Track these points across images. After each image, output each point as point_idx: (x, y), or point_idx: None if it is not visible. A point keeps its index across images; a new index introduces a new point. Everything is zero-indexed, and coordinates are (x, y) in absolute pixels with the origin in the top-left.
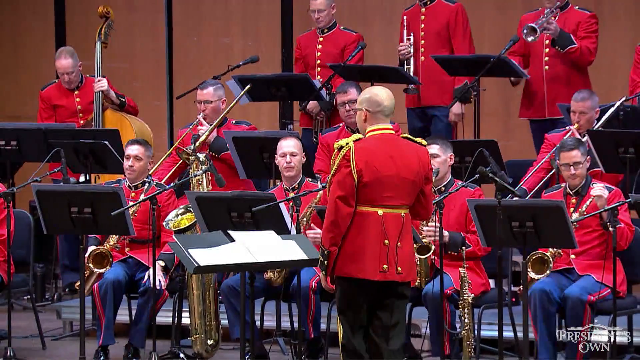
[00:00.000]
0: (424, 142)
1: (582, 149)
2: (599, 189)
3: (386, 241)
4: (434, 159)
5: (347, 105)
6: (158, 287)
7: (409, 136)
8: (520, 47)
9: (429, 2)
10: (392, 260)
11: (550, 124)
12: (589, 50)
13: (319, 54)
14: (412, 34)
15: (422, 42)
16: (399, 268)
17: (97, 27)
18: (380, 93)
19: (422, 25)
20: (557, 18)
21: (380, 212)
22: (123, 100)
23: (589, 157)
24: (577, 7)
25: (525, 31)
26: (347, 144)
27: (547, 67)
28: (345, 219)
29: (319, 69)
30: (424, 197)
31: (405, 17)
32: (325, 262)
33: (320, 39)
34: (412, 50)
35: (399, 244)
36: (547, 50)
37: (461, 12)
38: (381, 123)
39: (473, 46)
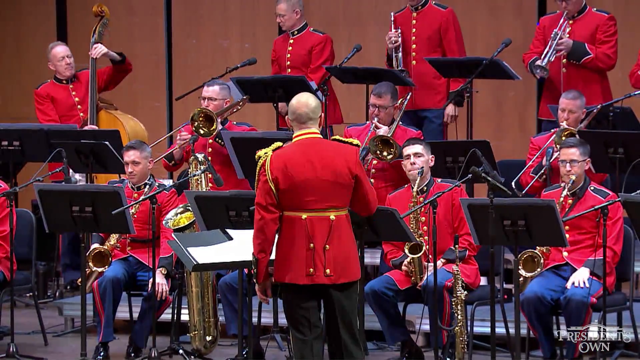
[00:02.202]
0: (355, 142)
1: (582, 149)
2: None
3: (311, 245)
4: (418, 157)
5: (377, 109)
6: (163, 297)
7: (339, 138)
8: (538, 47)
9: (420, 7)
10: (318, 263)
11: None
12: (607, 56)
13: (289, 55)
14: (399, 28)
15: (414, 46)
16: (327, 270)
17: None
18: (296, 101)
19: (414, 30)
20: (572, 23)
21: (304, 216)
22: (122, 56)
23: (589, 159)
24: (594, 9)
25: (537, 71)
26: (266, 153)
27: (564, 69)
28: (268, 225)
29: (289, 70)
30: (358, 194)
31: (395, 18)
32: (255, 269)
33: (291, 41)
34: (400, 40)
35: (327, 246)
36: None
37: (452, 18)
38: (304, 129)
39: (464, 51)
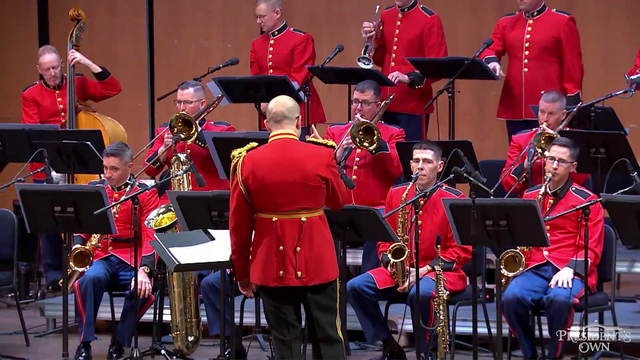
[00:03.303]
0: (330, 143)
1: (572, 151)
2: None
3: (281, 247)
4: (427, 164)
5: (360, 104)
6: (146, 295)
7: (314, 139)
8: (497, 46)
9: (406, 9)
10: (289, 266)
11: (526, 125)
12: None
13: (270, 56)
14: (380, 20)
15: (395, 47)
16: (299, 273)
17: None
18: (273, 101)
19: (397, 31)
20: (532, 23)
21: (274, 218)
22: (105, 71)
23: (575, 162)
24: (554, 9)
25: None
26: (239, 153)
27: (526, 69)
28: (239, 226)
29: (271, 70)
30: (329, 194)
31: (382, 15)
32: (232, 269)
33: (271, 42)
34: (374, 32)
35: (298, 249)
36: (527, 52)
37: (437, 24)
38: (278, 129)
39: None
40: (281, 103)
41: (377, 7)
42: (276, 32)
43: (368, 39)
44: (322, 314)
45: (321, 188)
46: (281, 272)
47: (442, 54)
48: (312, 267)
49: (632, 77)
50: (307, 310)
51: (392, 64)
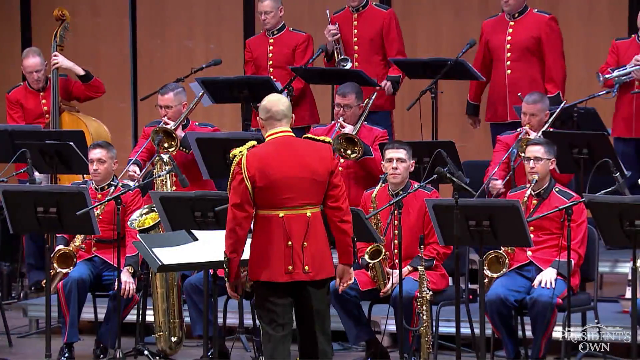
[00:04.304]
0: (327, 139)
1: (546, 148)
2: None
3: (289, 242)
4: (400, 163)
5: (342, 108)
6: (130, 295)
7: (311, 136)
8: (483, 51)
9: (361, 8)
10: (297, 260)
11: (511, 127)
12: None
13: (271, 55)
14: (336, 23)
15: (356, 47)
16: (306, 267)
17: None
18: (270, 100)
19: (355, 31)
20: (513, 24)
21: (281, 214)
22: (88, 74)
23: (554, 159)
24: (535, 9)
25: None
26: (241, 152)
27: (509, 71)
28: (242, 224)
29: (271, 69)
30: (332, 190)
31: (332, 19)
32: (227, 269)
33: (271, 41)
34: (339, 33)
35: (305, 244)
36: (509, 54)
37: (394, 18)
38: (277, 127)
39: (404, 52)
40: (281, 102)
41: (328, 12)
42: (275, 32)
43: (336, 42)
44: (320, 310)
45: (324, 184)
46: (290, 267)
47: (401, 45)
48: (318, 262)
49: (607, 76)
50: (304, 307)
51: (356, 63)
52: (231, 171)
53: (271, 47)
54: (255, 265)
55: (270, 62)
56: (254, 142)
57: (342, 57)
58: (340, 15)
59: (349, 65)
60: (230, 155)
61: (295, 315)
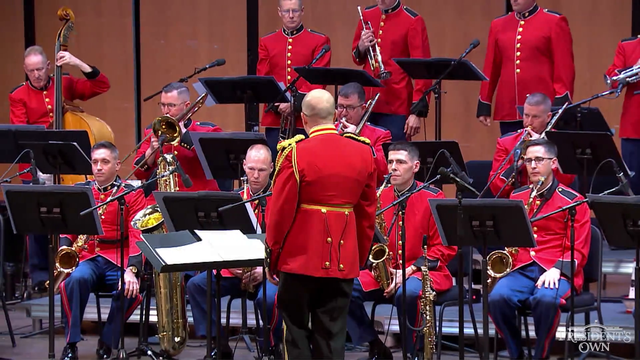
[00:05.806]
0: (367, 141)
1: (546, 147)
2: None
3: (329, 239)
4: (400, 164)
5: (345, 109)
6: (133, 295)
7: (352, 135)
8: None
9: (391, 10)
10: (334, 257)
11: (520, 126)
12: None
13: (290, 54)
14: (369, 22)
15: (378, 48)
16: (341, 265)
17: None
18: (315, 96)
19: (381, 32)
20: (524, 24)
21: (324, 210)
22: (95, 70)
23: (555, 159)
24: (545, 9)
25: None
26: (290, 144)
27: (518, 70)
28: (287, 218)
29: (289, 69)
30: (368, 191)
31: (364, 14)
32: (268, 259)
33: (290, 40)
34: (374, 39)
35: (341, 241)
36: (518, 53)
37: (421, 25)
38: (322, 124)
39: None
40: (326, 99)
41: (359, 7)
42: (295, 32)
43: (373, 48)
44: (344, 309)
45: (363, 185)
46: (327, 262)
47: (427, 54)
48: (350, 261)
49: (614, 77)
50: (329, 305)
51: (376, 64)
52: (278, 163)
53: (290, 47)
54: (292, 258)
55: (289, 61)
56: (302, 136)
57: (385, 72)
58: (370, 13)
59: (388, 76)
60: (278, 147)
61: (313, 313)
